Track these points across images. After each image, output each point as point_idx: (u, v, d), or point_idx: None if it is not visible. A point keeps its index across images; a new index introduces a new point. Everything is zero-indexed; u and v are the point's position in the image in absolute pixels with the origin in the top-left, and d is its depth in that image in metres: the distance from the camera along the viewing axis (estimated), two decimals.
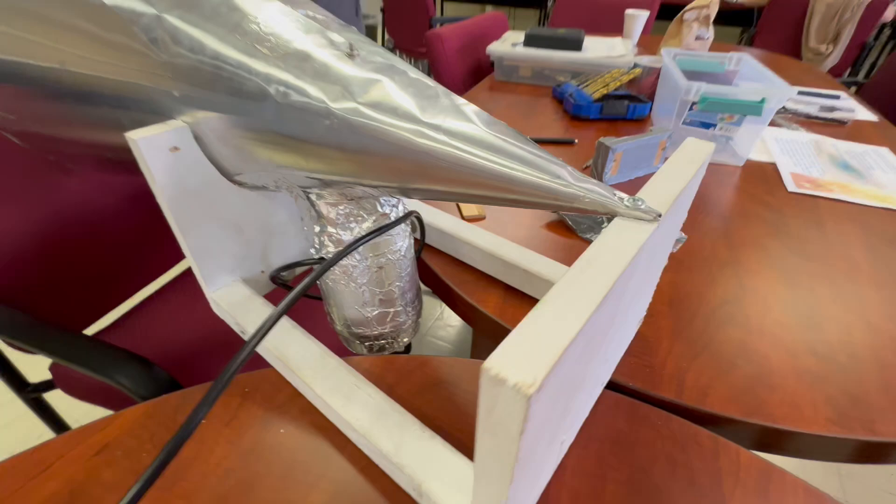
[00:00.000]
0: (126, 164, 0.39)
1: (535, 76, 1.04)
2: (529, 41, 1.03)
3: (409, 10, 2.36)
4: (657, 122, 0.81)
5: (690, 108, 0.63)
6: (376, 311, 0.36)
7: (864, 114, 0.89)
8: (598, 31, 1.85)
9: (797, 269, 0.47)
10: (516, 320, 0.39)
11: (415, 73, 0.26)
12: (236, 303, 0.36)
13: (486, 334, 0.41)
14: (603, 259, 0.18)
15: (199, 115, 0.29)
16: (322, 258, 0.34)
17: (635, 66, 0.94)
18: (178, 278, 0.75)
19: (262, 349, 0.34)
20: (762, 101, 0.59)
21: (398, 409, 0.29)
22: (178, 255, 0.77)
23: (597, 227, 0.50)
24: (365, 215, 0.32)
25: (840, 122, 0.84)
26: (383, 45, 2.69)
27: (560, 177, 0.21)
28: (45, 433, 0.96)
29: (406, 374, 0.35)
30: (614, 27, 1.81)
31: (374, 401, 0.29)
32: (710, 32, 1.17)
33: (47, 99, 0.34)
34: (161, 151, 0.30)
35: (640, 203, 0.20)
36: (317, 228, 0.33)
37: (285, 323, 0.35)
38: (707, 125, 0.64)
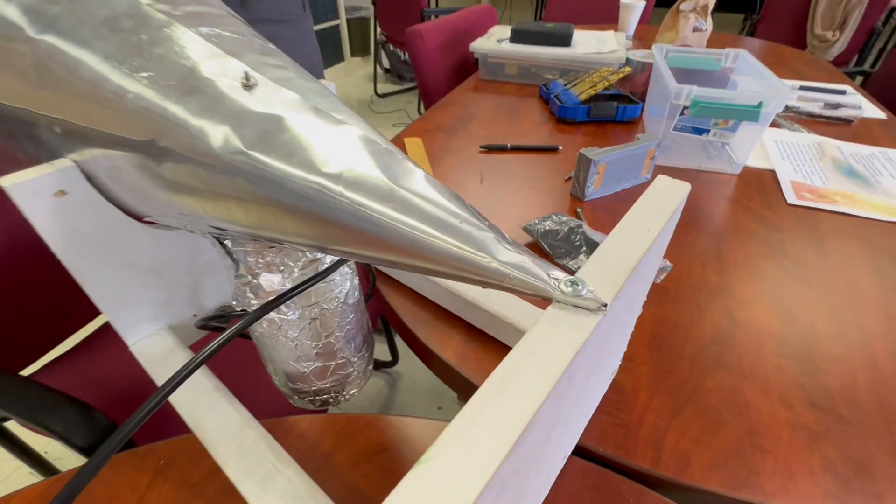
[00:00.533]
0: None
1: (521, 74, 0.98)
2: (516, 37, 0.98)
3: (401, 1, 2.29)
4: (649, 124, 0.76)
5: (682, 113, 0.58)
6: (314, 366, 0.32)
7: (871, 111, 0.84)
8: (595, 22, 1.78)
9: (795, 299, 0.42)
10: (478, 369, 0.35)
11: (331, 104, 0.22)
12: (155, 357, 0.32)
13: (446, 380, 0.37)
14: (526, 374, 0.14)
15: (89, 153, 0.25)
16: (244, 311, 0.29)
17: (627, 62, 0.89)
18: None
19: (182, 412, 0.30)
20: (759, 105, 0.54)
21: (321, 498, 0.24)
22: None
23: (574, 251, 0.46)
24: (291, 264, 0.28)
25: (845, 121, 0.79)
26: (375, 38, 2.61)
27: (484, 249, 0.17)
28: (19, 466, 0.92)
29: (346, 437, 0.31)
30: (612, 18, 1.74)
31: (293, 488, 0.25)
32: (707, 24, 1.11)
33: None
34: (42, 197, 0.25)
35: (580, 289, 0.16)
36: (233, 277, 0.29)
37: (206, 383, 0.31)
38: (700, 131, 0.59)
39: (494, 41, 1.00)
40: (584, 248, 0.46)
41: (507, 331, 0.35)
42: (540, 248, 0.47)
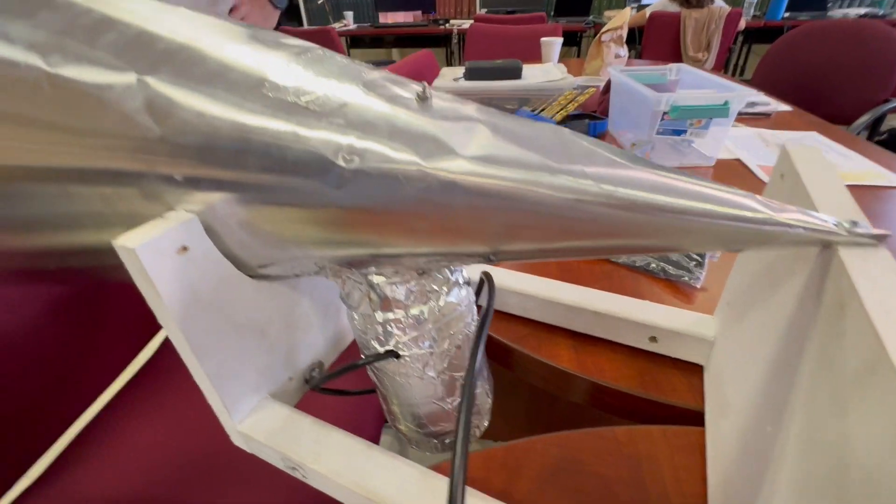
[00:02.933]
0: (68, 271, 0.29)
1: None
2: (471, 74, 1.04)
3: None
4: (617, 135, 0.84)
5: (661, 118, 0.65)
6: (458, 401, 0.29)
7: (776, 105, 1.00)
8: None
9: None
10: (600, 370, 0.35)
11: (501, 114, 0.22)
12: (278, 430, 0.27)
13: (559, 390, 0.36)
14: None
15: (213, 200, 0.22)
16: (392, 351, 0.27)
17: (580, 87, 0.98)
18: (124, 393, 0.60)
19: (343, 481, 0.25)
20: (726, 104, 0.62)
21: None
22: (119, 366, 0.63)
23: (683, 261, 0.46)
24: (436, 288, 0.26)
25: (765, 115, 0.93)
26: None
27: (752, 208, 0.17)
28: None
29: (515, 468, 0.29)
30: (526, 55, 1.91)
31: None
32: (624, 50, 1.27)
33: None
34: (166, 257, 0.22)
35: (860, 226, 0.17)
36: (380, 316, 0.26)
37: (349, 442, 0.27)
38: (679, 132, 0.67)
39: (451, 80, 1.05)
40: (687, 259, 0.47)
41: (617, 327, 0.35)
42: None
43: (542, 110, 0.88)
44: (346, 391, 0.33)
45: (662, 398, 0.32)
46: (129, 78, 0.21)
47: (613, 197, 0.18)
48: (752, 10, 2.86)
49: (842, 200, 0.20)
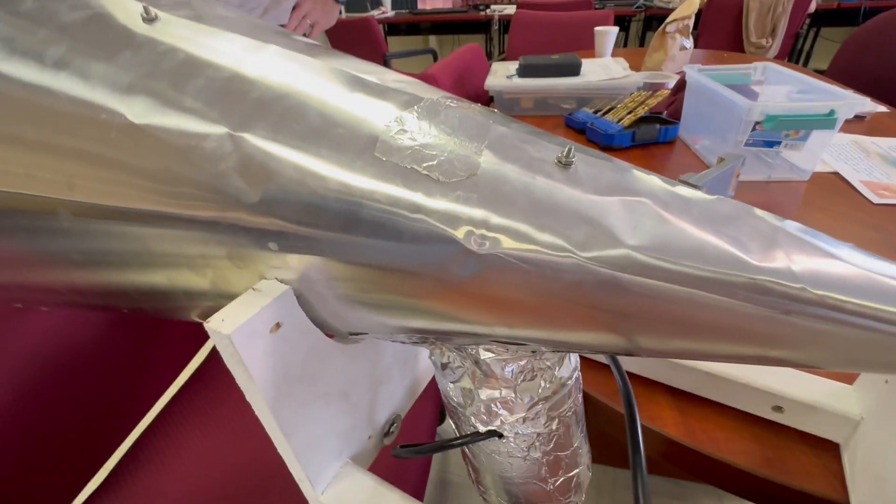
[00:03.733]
0: (143, 311, 0.27)
1: (537, 106, 0.98)
2: (525, 71, 0.98)
3: (363, 47, 2.30)
4: (691, 141, 0.77)
5: (753, 128, 0.58)
6: (561, 480, 0.26)
7: (872, 106, 0.89)
8: (559, 50, 1.85)
9: None
10: (713, 440, 0.30)
11: (664, 181, 0.18)
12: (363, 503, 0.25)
13: (665, 462, 0.32)
14: None
15: (308, 267, 0.19)
16: (494, 431, 0.23)
17: (646, 85, 0.91)
18: (174, 403, 0.60)
19: None
20: (832, 112, 0.55)
21: None
22: (173, 374, 0.63)
23: None
24: (549, 365, 0.23)
25: (860, 118, 0.83)
26: None
27: None
28: None
29: None
30: (574, 45, 1.82)
31: None
32: (690, 42, 1.17)
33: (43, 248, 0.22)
34: (259, 338, 0.19)
35: None
36: (484, 394, 0.23)
37: None
38: (771, 143, 0.60)
39: (503, 77, 1.00)
40: None
41: (733, 391, 0.31)
42: None
43: (607, 112, 0.82)
44: (426, 452, 0.31)
45: (795, 482, 0.28)
46: (219, 132, 0.18)
47: (827, 304, 0.14)
48: None
49: None
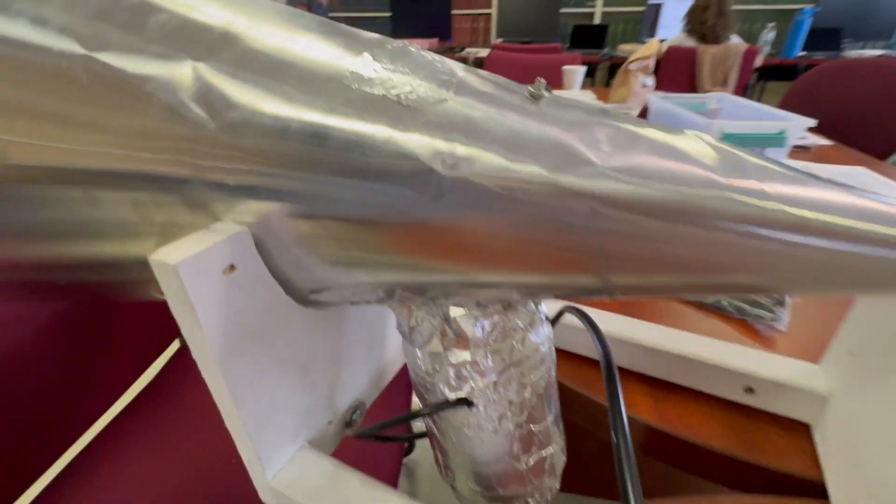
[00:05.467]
0: (83, 286, 0.25)
1: None
2: None
3: None
4: None
5: None
6: (534, 459, 0.25)
7: (815, 139, 0.97)
8: None
9: None
10: (687, 426, 0.30)
11: (628, 119, 0.18)
12: (322, 489, 0.23)
13: (641, 450, 0.31)
14: None
15: (269, 211, 0.18)
16: (465, 399, 0.22)
17: None
18: (125, 414, 0.55)
19: None
20: (781, 133, 0.59)
21: None
22: (119, 390, 0.58)
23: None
24: (521, 325, 0.22)
25: (805, 148, 0.90)
26: None
27: None
28: None
29: None
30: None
31: None
32: (651, 80, 1.26)
33: None
34: (210, 276, 0.18)
35: None
36: (454, 356, 0.22)
37: None
38: None
39: None
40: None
41: (705, 374, 0.31)
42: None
43: None
44: (392, 437, 0.29)
45: (770, 463, 0.27)
46: (180, 65, 0.17)
47: (810, 226, 0.14)
48: (767, 49, 2.89)
49: None
